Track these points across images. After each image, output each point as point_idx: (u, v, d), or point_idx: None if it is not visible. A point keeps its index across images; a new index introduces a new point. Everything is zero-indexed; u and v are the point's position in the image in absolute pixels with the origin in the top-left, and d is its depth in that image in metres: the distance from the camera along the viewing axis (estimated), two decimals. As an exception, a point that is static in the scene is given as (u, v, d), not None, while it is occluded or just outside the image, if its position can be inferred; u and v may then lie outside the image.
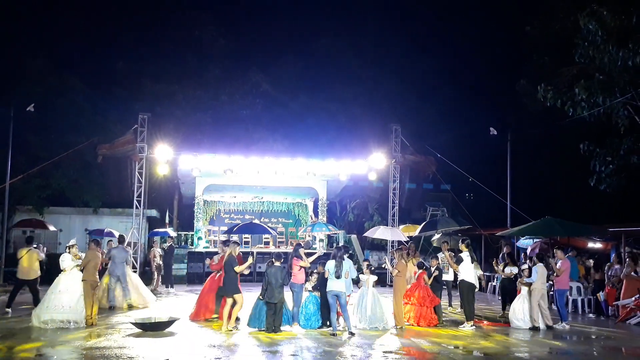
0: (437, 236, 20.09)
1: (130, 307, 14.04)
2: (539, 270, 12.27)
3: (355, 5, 40.76)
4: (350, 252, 23.30)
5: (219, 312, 12.32)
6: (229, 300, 11.10)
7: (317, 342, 10.10)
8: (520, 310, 12.34)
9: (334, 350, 9.48)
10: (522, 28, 23.26)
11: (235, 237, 16.43)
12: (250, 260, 11.21)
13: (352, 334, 10.73)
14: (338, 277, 10.79)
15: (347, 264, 11.04)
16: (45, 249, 19.59)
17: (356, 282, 11.94)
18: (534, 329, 11.98)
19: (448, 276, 14.93)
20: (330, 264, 10.97)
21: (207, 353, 9.01)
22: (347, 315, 10.99)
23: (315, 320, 11.51)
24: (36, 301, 13.17)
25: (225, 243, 13.16)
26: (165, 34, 31.07)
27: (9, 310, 12.95)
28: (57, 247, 24.34)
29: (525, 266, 13.19)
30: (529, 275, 12.36)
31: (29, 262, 13.12)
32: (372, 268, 12.36)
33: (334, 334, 10.72)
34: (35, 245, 13.58)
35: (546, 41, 22.54)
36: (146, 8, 34.24)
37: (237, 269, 11.07)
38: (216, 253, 13.55)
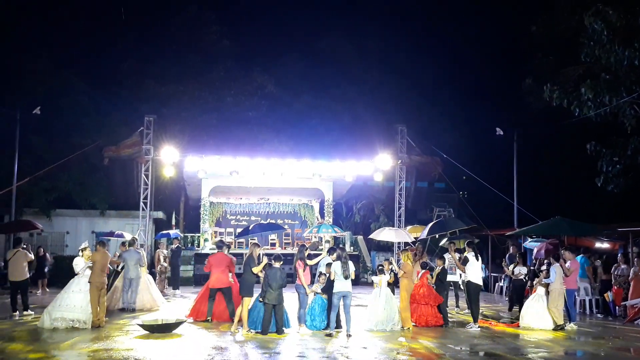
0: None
1: (135, 310, 13.93)
2: (557, 270, 12.23)
3: (359, 4, 40.81)
4: (357, 253, 23.40)
5: (211, 314, 12.45)
6: (245, 301, 11.11)
7: (324, 343, 10.10)
8: (534, 310, 12.32)
9: (340, 351, 9.48)
10: (527, 27, 23.25)
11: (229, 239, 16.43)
12: (265, 260, 11.19)
13: (349, 335, 10.67)
14: (346, 277, 10.81)
15: (352, 265, 11.06)
16: (44, 250, 19.64)
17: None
18: (560, 328, 11.94)
19: (455, 277, 14.90)
20: (337, 265, 10.96)
21: (214, 355, 9.02)
22: (349, 317, 10.95)
23: (320, 321, 11.49)
24: (25, 304, 13.25)
25: (219, 244, 13.23)
26: (169, 34, 31.11)
27: (16, 313, 12.99)
28: (64, 249, 24.42)
29: (544, 267, 13.18)
30: (547, 276, 12.32)
31: (18, 263, 13.16)
32: (382, 268, 12.24)
33: (330, 334, 10.74)
34: (24, 246, 13.62)
35: (551, 40, 22.49)
36: (150, 8, 34.30)
37: (255, 269, 11.08)
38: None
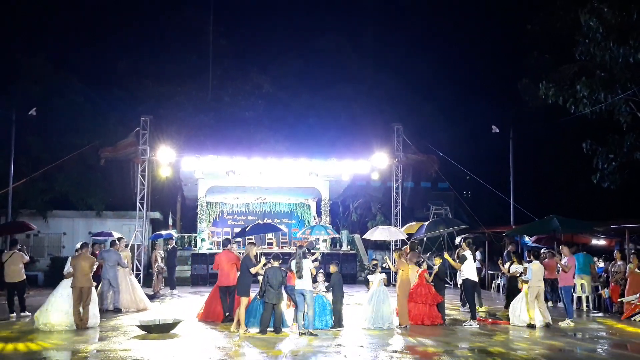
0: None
1: (119, 310, 13.80)
2: (533, 268, 12.23)
3: (356, 3, 40.84)
4: (354, 252, 23.37)
5: (230, 310, 12.28)
6: (242, 301, 11.10)
7: (321, 343, 10.10)
8: (518, 308, 12.39)
9: (338, 349, 9.48)
10: (523, 25, 23.31)
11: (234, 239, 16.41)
12: (263, 260, 11.18)
13: (304, 334, 10.64)
14: (300, 277, 10.82)
15: (308, 262, 11.06)
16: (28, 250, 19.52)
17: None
18: (530, 326, 11.94)
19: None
20: (292, 264, 11.03)
21: (213, 354, 9.02)
22: (312, 314, 10.92)
23: (319, 320, 11.47)
24: (22, 305, 13.25)
25: (225, 243, 13.14)
26: (166, 34, 31.09)
27: (13, 315, 12.97)
28: (60, 250, 24.38)
29: (522, 266, 13.21)
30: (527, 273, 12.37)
31: (14, 265, 13.17)
32: (376, 268, 12.32)
33: (303, 333, 10.73)
34: (19, 248, 13.62)
35: (547, 38, 22.55)
36: (147, 8, 34.32)
37: (253, 270, 11.07)
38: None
